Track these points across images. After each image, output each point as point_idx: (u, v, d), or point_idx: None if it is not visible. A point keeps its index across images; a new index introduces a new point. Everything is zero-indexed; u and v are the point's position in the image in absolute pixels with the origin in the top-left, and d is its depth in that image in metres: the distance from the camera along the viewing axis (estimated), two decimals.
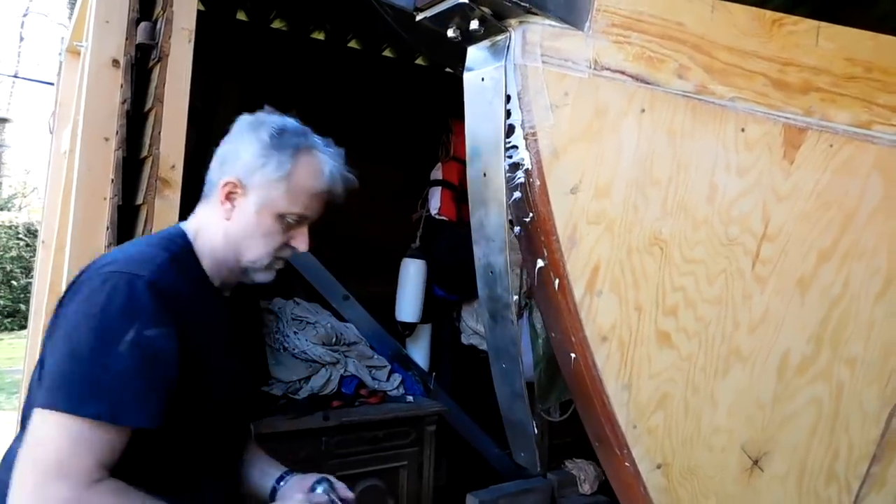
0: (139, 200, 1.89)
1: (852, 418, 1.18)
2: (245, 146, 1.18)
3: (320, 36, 3.66)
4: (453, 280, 3.46)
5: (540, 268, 1.05)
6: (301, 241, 1.22)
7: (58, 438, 0.96)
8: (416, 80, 3.86)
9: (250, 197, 1.17)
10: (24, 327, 12.21)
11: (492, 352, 1.10)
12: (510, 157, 1.01)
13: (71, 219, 1.86)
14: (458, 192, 3.46)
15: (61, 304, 1.10)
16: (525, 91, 0.98)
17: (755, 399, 1.15)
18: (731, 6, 1.03)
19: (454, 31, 1.01)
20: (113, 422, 0.98)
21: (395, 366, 3.39)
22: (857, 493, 1.22)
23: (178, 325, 1.06)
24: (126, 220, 1.91)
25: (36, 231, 13.31)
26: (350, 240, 3.55)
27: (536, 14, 0.97)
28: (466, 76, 1.04)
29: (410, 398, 3.33)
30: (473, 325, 3.61)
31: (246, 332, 1.32)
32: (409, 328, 3.51)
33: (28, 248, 13.14)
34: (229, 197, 1.18)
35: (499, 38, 0.99)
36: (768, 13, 1.04)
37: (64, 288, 1.87)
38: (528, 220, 1.04)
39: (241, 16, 3.44)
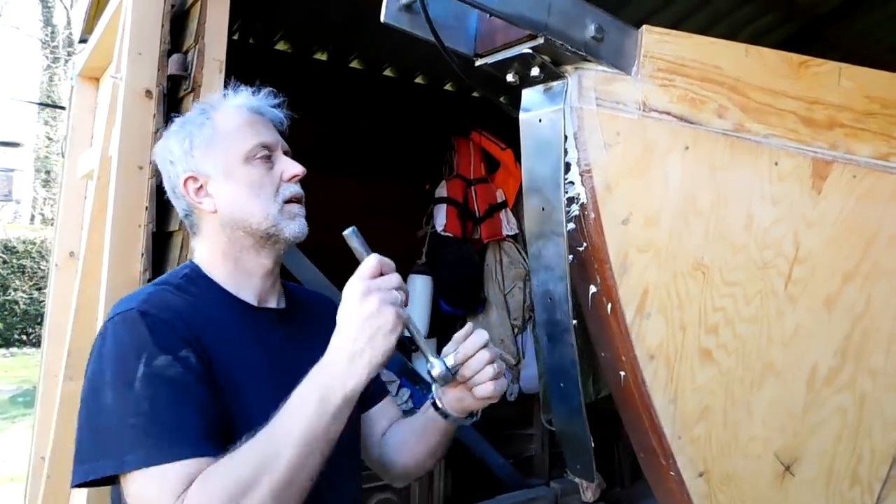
0: (172, 227, 1.95)
1: (874, 425, 1.27)
2: (168, 152, 1.15)
3: (323, 57, 3.74)
4: (459, 295, 3.55)
5: (593, 293, 1.14)
6: (290, 167, 1.14)
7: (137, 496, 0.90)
8: (418, 98, 3.96)
9: (210, 173, 1.12)
10: (1, 346, 12.15)
11: (550, 372, 1.18)
12: (566, 191, 1.09)
13: (107, 245, 1.91)
14: (462, 209, 3.56)
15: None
16: (581, 131, 1.06)
17: (787, 409, 1.24)
18: (763, 50, 1.12)
19: (513, 76, 1.09)
20: (163, 462, 0.89)
21: (403, 380, 3.46)
22: (879, 494, 1.32)
23: (193, 343, 0.99)
24: (160, 246, 1.97)
25: (14, 248, 13.16)
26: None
27: (590, 61, 1.06)
28: (523, 116, 1.12)
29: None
30: None
31: (312, 345, 1.16)
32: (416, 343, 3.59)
33: (5, 266, 13.00)
34: (199, 193, 1.13)
35: (556, 82, 1.08)
36: (795, 56, 1.14)
37: (99, 316, 1.93)
38: (581, 249, 1.12)
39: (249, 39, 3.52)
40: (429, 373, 1.07)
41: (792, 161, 1.13)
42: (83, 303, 2.23)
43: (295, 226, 1.13)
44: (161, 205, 1.95)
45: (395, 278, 0.97)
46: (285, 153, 1.18)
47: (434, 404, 1.20)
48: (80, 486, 0.94)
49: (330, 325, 1.23)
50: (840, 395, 1.25)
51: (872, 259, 1.19)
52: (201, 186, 1.13)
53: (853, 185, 1.15)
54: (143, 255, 1.91)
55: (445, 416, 1.18)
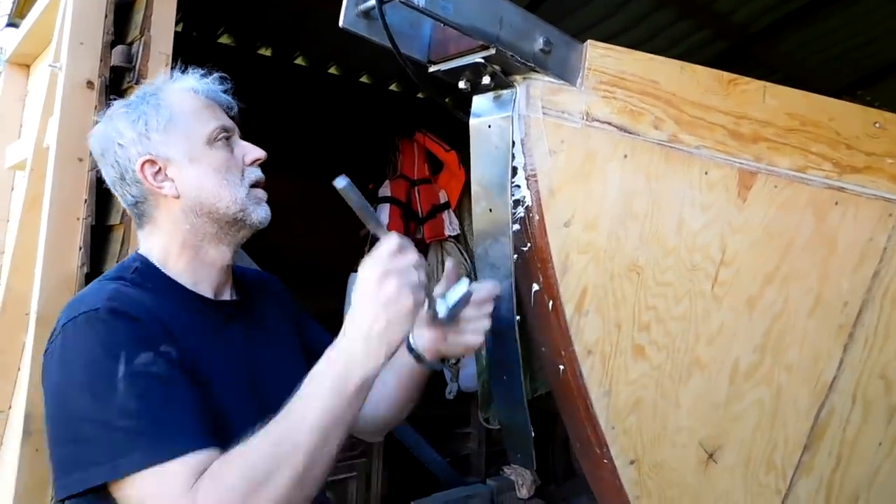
0: (112, 221, 1.91)
1: (788, 415, 1.38)
2: (118, 135, 1.07)
3: (267, 52, 3.71)
4: None
5: (535, 291, 1.20)
6: (253, 150, 1.12)
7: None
8: (362, 98, 3.97)
9: (172, 156, 1.06)
10: None
11: (494, 366, 1.23)
12: (513, 194, 1.15)
13: (42, 239, 1.86)
14: (405, 209, 3.60)
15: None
16: (528, 138, 1.12)
17: (711, 401, 1.33)
18: (696, 67, 1.21)
19: (465, 83, 1.14)
20: (163, 461, 0.84)
21: None
22: (791, 479, 1.43)
23: (168, 338, 0.94)
24: (99, 240, 1.93)
25: None
26: (296, 256, 3.61)
27: (538, 72, 1.12)
28: (473, 122, 1.17)
29: None
30: None
31: (271, 335, 1.19)
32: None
33: None
34: (158, 177, 1.06)
35: (505, 91, 1.13)
36: (725, 74, 1.23)
37: (32, 311, 1.87)
38: (525, 249, 1.18)
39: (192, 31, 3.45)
40: (431, 313, 1.08)
41: (720, 171, 1.22)
42: (11, 298, 2.16)
43: (261, 211, 1.11)
44: (101, 197, 1.91)
45: (412, 257, 0.94)
46: (241, 136, 1.15)
47: (409, 348, 1.20)
48: (65, 500, 0.88)
49: (283, 308, 1.27)
50: (758, 388, 1.35)
51: (790, 263, 1.30)
52: (160, 170, 1.06)
53: (774, 195, 1.25)
54: (80, 249, 1.87)
55: (419, 359, 1.20)
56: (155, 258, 1.09)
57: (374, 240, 3.67)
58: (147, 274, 1.06)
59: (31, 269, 2.00)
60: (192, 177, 1.06)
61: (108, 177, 1.11)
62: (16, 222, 2.31)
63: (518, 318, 1.17)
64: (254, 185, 1.11)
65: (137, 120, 1.07)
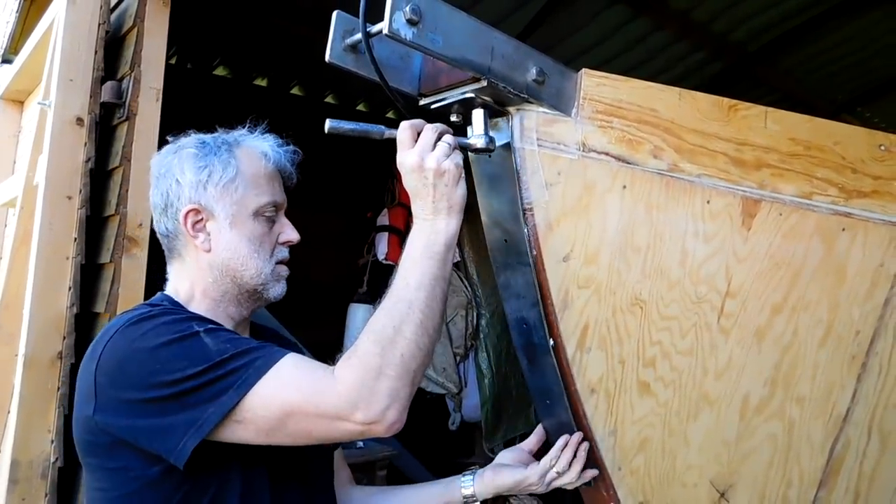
0: (103, 259, 1.88)
1: (802, 450, 1.33)
2: (179, 171, 1.10)
3: (263, 83, 3.70)
4: None
5: None
6: (290, 232, 1.16)
7: (270, 389, 0.92)
8: None
9: (217, 213, 1.09)
10: None
11: (535, 392, 1.23)
12: None
13: (31, 278, 1.82)
14: (404, 238, 3.55)
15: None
16: (523, 171, 1.09)
17: (721, 438, 1.28)
18: (695, 94, 1.17)
19: (457, 116, 1.11)
20: (278, 357, 0.95)
21: None
22: None
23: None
24: (89, 279, 1.89)
25: None
26: (295, 284, 3.56)
27: (532, 102, 1.08)
28: (472, 155, 1.13)
29: (361, 444, 3.34)
30: None
31: None
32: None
33: None
34: (197, 227, 1.09)
35: (500, 119, 1.10)
36: (725, 100, 1.19)
37: (20, 352, 1.82)
38: None
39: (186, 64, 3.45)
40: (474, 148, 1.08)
41: (723, 200, 1.18)
42: (1, 339, 2.11)
43: (279, 288, 1.15)
44: (91, 235, 1.88)
45: (430, 133, 1.01)
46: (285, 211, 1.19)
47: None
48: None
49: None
50: (770, 422, 1.30)
51: (798, 292, 1.25)
52: (201, 220, 1.10)
53: (780, 223, 1.21)
54: (70, 288, 1.83)
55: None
56: (181, 298, 1.12)
57: (373, 269, 3.59)
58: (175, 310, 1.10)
59: (21, 308, 1.95)
60: (226, 239, 1.10)
61: (153, 199, 1.14)
62: (7, 261, 2.27)
63: (552, 342, 1.12)
64: (280, 262, 1.15)
65: (203, 168, 1.09)
